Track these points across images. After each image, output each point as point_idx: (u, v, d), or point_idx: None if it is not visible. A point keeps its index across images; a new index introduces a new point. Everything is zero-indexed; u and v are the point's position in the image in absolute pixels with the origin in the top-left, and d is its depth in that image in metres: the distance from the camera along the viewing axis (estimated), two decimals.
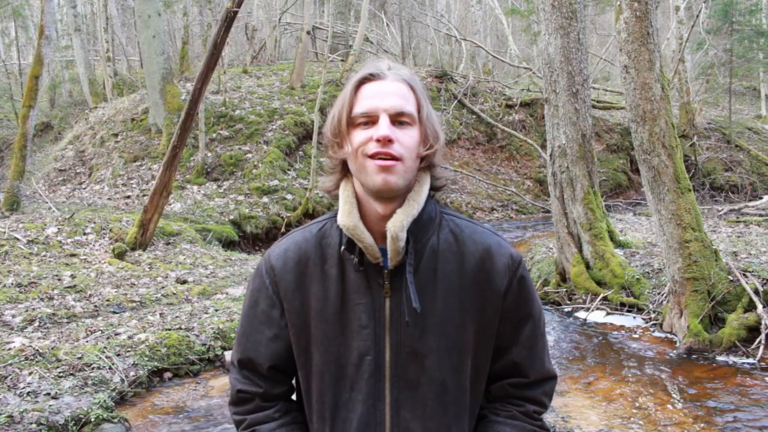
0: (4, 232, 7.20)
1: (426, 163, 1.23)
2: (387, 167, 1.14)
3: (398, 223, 1.18)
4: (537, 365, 1.31)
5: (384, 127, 1.14)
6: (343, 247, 1.22)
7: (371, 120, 1.16)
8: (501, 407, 1.32)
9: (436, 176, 1.26)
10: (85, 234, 7.65)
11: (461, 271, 1.24)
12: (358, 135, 1.17)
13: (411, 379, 1.22)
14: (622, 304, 5.94)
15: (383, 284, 1.21)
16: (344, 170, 1.24)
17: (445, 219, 1.28)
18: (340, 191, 1.25)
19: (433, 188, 1.27)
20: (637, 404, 4.01)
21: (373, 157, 1.15)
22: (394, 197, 1.19)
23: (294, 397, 1.37)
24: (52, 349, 4.24)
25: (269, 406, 1.30)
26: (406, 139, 1.16)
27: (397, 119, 1.16)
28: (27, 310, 5.23)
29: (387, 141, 1.13)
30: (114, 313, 5.52)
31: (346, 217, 1.20)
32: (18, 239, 7.12)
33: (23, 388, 3.72)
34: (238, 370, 1.33)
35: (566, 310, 6.25)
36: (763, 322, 4.72)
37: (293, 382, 1.36)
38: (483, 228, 1.30)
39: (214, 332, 4.92)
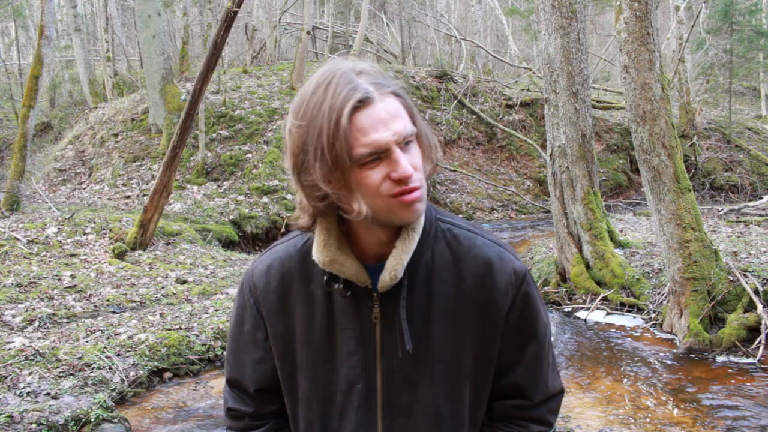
0: (4, 232, 7.20)
1: None
2: (413, 201, 1.02)
3: (398, 264, 1.07)
4: (541, 387, 1.22)
5: (404, 164, 0.99)
6: (325, 278, 1.11)
7: (379, 156, 0.99)
8: (503, 427, 1.24)
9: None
10: (85, 234, 7.65)
11: (458, 291, 1.13)
12: (371, 176, 0.99)
13: (404, 408, 1.15)
14: (622, 304, 5.94)
15: (373, 307, 1.12)
16: (325, 205, 1.06)
17: (441, 228, 1.16)
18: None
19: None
20: (637, 404, 4.01)
21: (396, 195, 1.01)
22: None
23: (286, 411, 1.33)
24: (52, 349, 4.24)
25: (259, 424, 1.26)
26: (416, 161, 1.04)
27: (404, 142, 1.02)
28: (27, 310, 5.23)
29: (409, 178, 1.00)
30: (114, 313, 5.52)
31: (321, 252, 1.08)
32: (18, 239, 7.12)
33: (23, 388, 3.72)
34: (229, 389, 1.29)
35: (566, 310, 6.25)
36: (763, 322, 4.72)
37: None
38: (484, 239, 1.17)
39: (214, 332, 4.92)
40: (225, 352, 1.36)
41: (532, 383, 1.21)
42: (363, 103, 0.98)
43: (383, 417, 1.15)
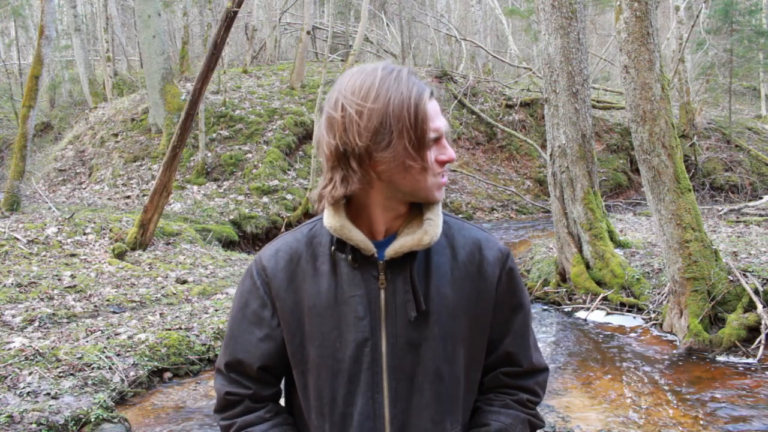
0: (4, 232, 7.20)
1: None
2: (445, 183, 1.22)
3: (437, 229, 1.22)
4: (529, 354, 1.33)
5: (451, 150, 1.20)
6: (333, 248, 1.22)
7: (436, 140, 1.19)
8: (494, 397, 1.32)
9: None
10: (85, 234, 7.65)
11: (453, 263, 1.25)
12: (431, 155, 1.18)
13: (408, 370, 1.22)
14: (622, 304, 5.94)
15: (378, 276, 1.21)
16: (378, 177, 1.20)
17: None
18: None
19: None
20: (637, 404, 4.01)
21: (436, 176, 1.20)
22: None
23: (281, 401, 1.35)
24: (52, 349, 4.24)
25: (259, 407, 1.28)
26: None
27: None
28: (27, 310, 5.23)
29: (453, 161, 1.21)
30: (114, 313, 5.52)
31: (332, 217, 1.20)
32: (18, 239, 7.12)
33: (23, 388, 3.72)
34: (225, 374, 1.30)
35: (566, 310, 6.25)
36: (763, 322, 4.72)
37: (281, 386, 1.34)
38: (470, 224, 1.34)
39: (214, 332, 4.92)
40: (223, 340, 1.35)
41: (520, 349, 1.32)
42: (431, 96, 1.18)
43: (389, 379, 1.22)
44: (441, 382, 1.23)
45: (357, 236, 1.19)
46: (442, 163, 1.19)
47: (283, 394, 1.37)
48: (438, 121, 1.17)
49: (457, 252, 1.26)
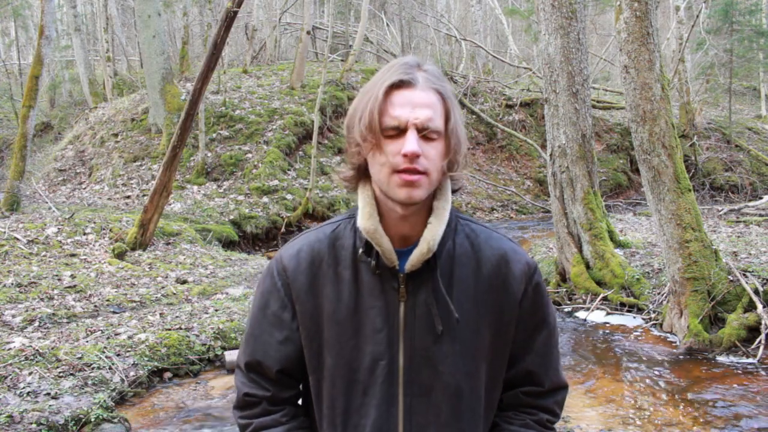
0: (4, 232, 7.20)
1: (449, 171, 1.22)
2: (412, 182, 1.12)
3: (435, 235, 1.17)
4: (551, 374, 1.30)
5: (412, 143, 1.10)
6: (360, 250, 1.19)
7: (399, 131, 1.12)
8: (514, 416, 1.30)
9: (454, 179, 1.25)
10: (85, 234, 7.65)
11: (477, 276, 1.22)
12: (386, 147, 1.12)
13: (424, 385, 1.20)
14: (622, 304, 5.94)
15: (398, 288, 1.19)
16: (366, 169, 1.20)
17: (461, 223, 1.26)
18: (359, 191, 1.23)
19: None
20: (637, 404, 4.01)
21: (399, 171, 1.12)
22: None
23: (300, 402, 1.35)
24: (52, 349, 4.24)
25: (277, 410, 1.27)
26: (432, 153, 1.13)
27: (424, 132, 1.12)
28: (27, 310, 5.23)
29: (414, 157, 1.10)
30: (114, 313, 5.52)
31: (367, 220, 1.18)
32: (18, 239, 7.12)
33: (23, 388, 3.72)
34: (245, 374, 1.29)
35: (566, 310, 6.25)
36: (763, 322, 4.72)
37: (300, 387, 1.33)
38: (498, 234, 1.29)
39: (214, 332, 4.92)
40: (243, 337, 1.34)
41: (543, 369, 1.28)
42: (403, 84, 1.13)
43: (404, 394, 1.20)
44: (460, 400, 1.21)
45: (385, 244, 1.17)
46: (404, 157, 1.11)
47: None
48: (402, 110, 1.11)
49: (482, 264, 1.22)
